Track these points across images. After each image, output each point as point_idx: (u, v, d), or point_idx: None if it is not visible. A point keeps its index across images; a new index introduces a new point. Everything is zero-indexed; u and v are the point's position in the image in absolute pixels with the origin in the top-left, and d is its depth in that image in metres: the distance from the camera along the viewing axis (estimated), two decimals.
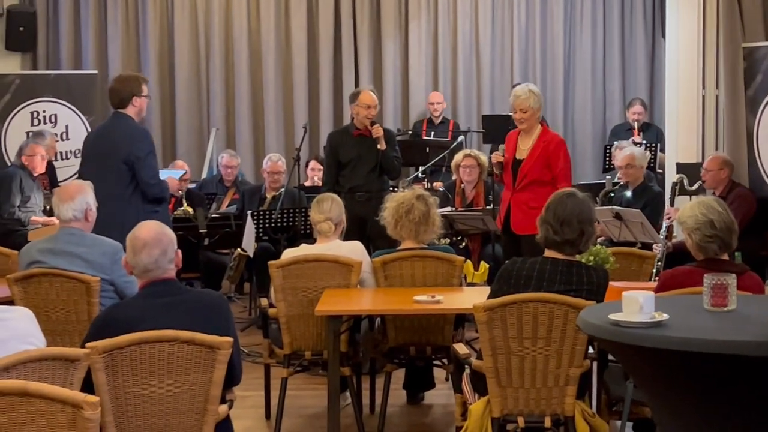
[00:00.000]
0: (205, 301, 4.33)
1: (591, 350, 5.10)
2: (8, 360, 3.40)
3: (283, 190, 9.44)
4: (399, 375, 6.71)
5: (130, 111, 6.97)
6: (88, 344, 3.84)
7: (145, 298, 4.31)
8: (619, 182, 8.84)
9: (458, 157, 9.30)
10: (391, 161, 8.36)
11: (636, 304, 3.16)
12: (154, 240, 4.28)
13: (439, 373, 6.91)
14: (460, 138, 10.47)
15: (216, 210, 9.96)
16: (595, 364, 5.25)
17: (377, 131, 8.21)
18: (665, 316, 3.17)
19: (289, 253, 6.37)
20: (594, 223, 4.95)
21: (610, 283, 4.94)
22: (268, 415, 6.45)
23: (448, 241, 8.24)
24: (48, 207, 9.18)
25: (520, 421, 4.82)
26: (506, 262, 5.20)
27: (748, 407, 3.11)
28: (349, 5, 12.36)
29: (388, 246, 6.60)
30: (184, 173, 9.49)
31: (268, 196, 9.64)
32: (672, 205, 8.25)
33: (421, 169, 10.02)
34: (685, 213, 4.82)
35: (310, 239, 8.22)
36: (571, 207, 4.78)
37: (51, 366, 3.52)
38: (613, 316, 3.19)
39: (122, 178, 6.83)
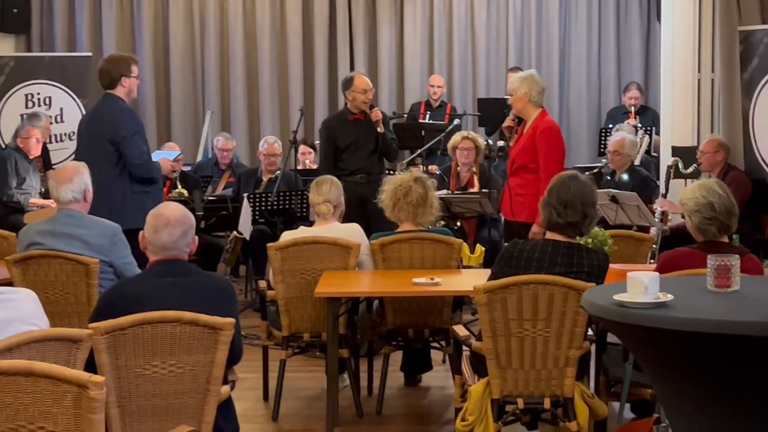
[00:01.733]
0: (212, 284, 4.34)
1: (590, 332, 5.11)
2: (11, 341, 3.40)
3: (279, 172, 9.41)
4: (396, 357, 6.72)
5: (119, 92, 6.98)
6: (91, 325, 3.84)
7: (154, 275, 4.33)
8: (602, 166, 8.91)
9: (456, 138, 9.27)
10: (389, 144, 8.37)
11: (641, 285, 3.17)
12: (178, 221, 4.30)
13: (435, 355, 6.93)
14: (457, 121, 10.44)
15: (212, 193, 9.95)
16: (593, 346, 5.26)
17: (376, 114, 8.20)
18: (670, 297, 3.17)
19: (287, 236, 6.37)
20: (596, 206, 4.96)
21: (610, 265, 4.95)
22: (266, 397, 6.46)
23: (443, 223, 8.23)
24: (43, 189, 9.17)
25: (520, 402, 4.84)
26: (506, 243, 5.22)
27: (753, 388, 3.12)
28: None
29: (389, 227, 6.61)
30: (179, 154, 9.46)
31: (265, 178, 9.61)
32: (667, 188, 8.30)
33: (417, 152, 10.00)
34: (686, 195, 4.83)
35: (306, 222, 8.24)
36: (574, 190, 4.78)
37: (54, 347, 3.51)
38: (618, 297, 3.20)
39: (109, 158, 6.84)
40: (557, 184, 4.84)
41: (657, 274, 3.31)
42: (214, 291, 4.28)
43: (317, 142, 10.21)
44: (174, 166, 9.08)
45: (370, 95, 8.32)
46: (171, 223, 4.29)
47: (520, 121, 7.41)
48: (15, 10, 11.39)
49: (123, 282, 4.91)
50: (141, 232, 4.39)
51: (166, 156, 7.87)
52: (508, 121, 7.51)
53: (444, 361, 6.98)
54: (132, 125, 6.96)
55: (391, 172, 8.66)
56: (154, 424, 3.88)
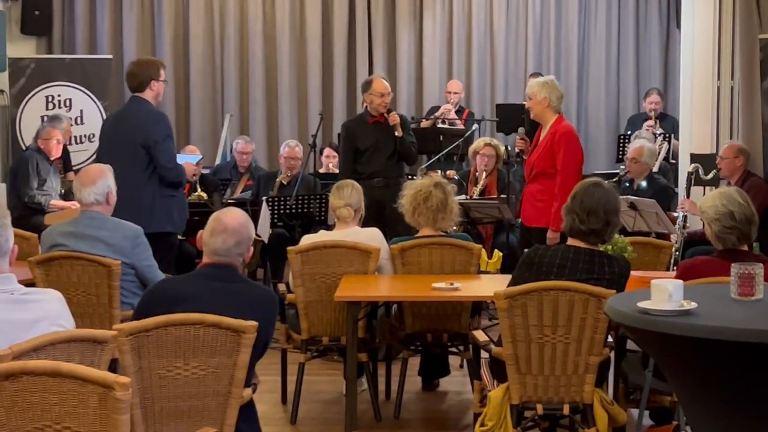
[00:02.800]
0: (256, 295, 4.37)
1: (609, 339, 5.11)
2: (38, 341, 3.42)
3: (293, 175, 9.43)
4: (414, 362, 6.74)
5: (147, 95, 7.02)
6: (115, 326, 3.88)
7: (199, 277, 4.38)
8: (620, 174, 8.90)
9: (478, 143, 9.30)
10: (408, 147, 8.36)
11: (665, 293, 3.17)
12: (235, 230, 4.34)
13: (453, 360, 6.94)
14: (474, 127, 10.46)
15: (230, 196, 9.97)
16: (613, 352, 5.26)
17: (393, 119, 8.21)
18: (694, 305, 3.18)
19: (307, 239, 6.38)
20: (619, 213, 4.97)
21: (637, 273, 4.96)
22: (284, 400, 6.48)
23: (455, 228, 8.25)
24: (63, 191, 9.21)
25: (539, 408, 4.85)
26: (527, 249, 5.22)
27: None
28: None
29: (406, 232, 6.62)
30: (200, 158, 9.50)
31: (284, 182, 9.62)
32: (688, 195, 8.28)
33: (435, 157, 10.00)
34: (707, 203, 4.83)
35: (325, 225, 8.26)
36: (597, 197, 4.79)
37: (79, 347, 3.53)
38: (643, 304, 3.20)
39: (140, 161, 6.86)
40: (581, 190, 4.85)
41: (681, 281, 3.32)
42: (257, 301, 4.29)
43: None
44: (195, 170, 9.12)
45: (387, 99, 8.32)
46: (227, 231, 4.33)
47: (532, 132, 7.44)
48: (36, 13, 11.44)
49: (171, 279, 5.02)
50: (200, 231, 4.45)
51: (190, 160, 7.92)
52: (518, 143, 7.53)
53: (461, 366, 6.99)
54: (164, 130, 7.00)
55: (411, 177, 8.68)
56: (177, 426, 3.89)
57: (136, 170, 6.81)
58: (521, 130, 7.56)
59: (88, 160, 10.27)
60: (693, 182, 8.37)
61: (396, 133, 8.20)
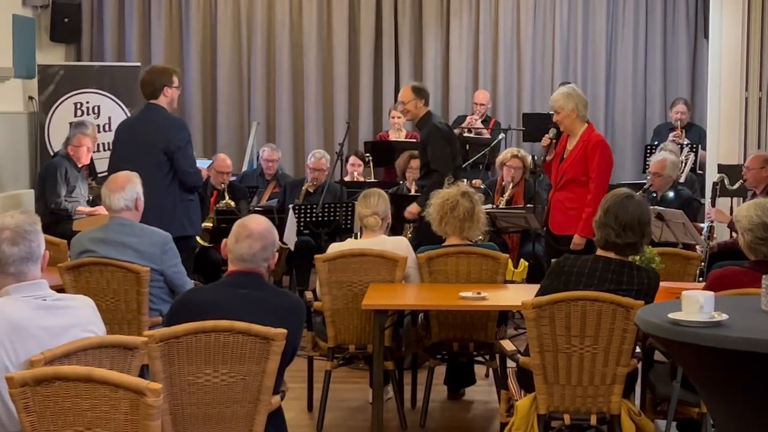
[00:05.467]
0: (283, 302, 4.37)
1: (637, 350, 5.09)
2: (70, 347, 3.45)
3: (320, 183, 9.46)
4: (440, 371, 6.73)
5: (161, 101, 7.14)
6: (145, 332, 3.91)
7: (225, 286, 4.40)
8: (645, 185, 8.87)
9: (506, 155, 9.30)
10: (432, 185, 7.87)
11: (696, 304, 3.16)
12: (260, 235, 4.35)
13: (479, 370, 6.93)
14: (501, 136, 10.45)
15: (257, 203, 10.00)
16: (640, 363, 5.24)
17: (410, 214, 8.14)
18: (725, 316, 3.17)
19: (335, 247, 6.40)
20: (650, 225, 4.96)
21: (665, 285, 4.95)
22: (310, 408, 6.51)
23: (481, 238, 8.24)
24: (91, 197, 9.25)
25: (566, 418, 4.83)
26: (555, 258, 5.21)
27: None
28: (390, 3, 12.36)
29: (428, 243, 6.63)
30: (210, 163, 9.52)
31: (310, 190, 9.64)
32: (713, 205, 8.25)
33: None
34: (741, 212, 4.82)
35: (350, 234, 8.27)
36: (632, 210, 4.79)
37: (110, 353, 3.56)
38: (673, 315, 3.19)
39: (161, 167, 6.97)
40: (614, 204, 4.82)
41: (712, 293, 3.31)
42: (285, 309, 4.29)
43: (368, 154, 10.25)
44: (223, 178, 9.18)
45: (400, 107, 8.38)
46: (252, 236, 4.33)
47: (557, 135, 7.44)
48: (66, 20, 11.49)
49: (198, 289, 5.04)
50: (224, 240, 4.46)
51: (201, 165, 7.96)
52: (545, 140, 7.52)
53: (487, 376, 6.99)
54: (186, 135, 7.15)
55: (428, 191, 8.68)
56: None
57: (157, 175, 6.90)
58: (553, 131, 7.50)
59: None
60: (719, 193, 8.38)
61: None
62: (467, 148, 10.28)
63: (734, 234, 7.45)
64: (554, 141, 7.45)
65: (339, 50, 12.32)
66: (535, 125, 10.29)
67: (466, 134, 10.76)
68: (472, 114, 11.17)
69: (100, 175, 9.75)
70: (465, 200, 6.28)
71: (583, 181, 7.22)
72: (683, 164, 9.62)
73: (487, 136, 10.77)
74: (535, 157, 9.18)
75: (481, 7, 12.38)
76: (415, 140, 9.85)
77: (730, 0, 9.74)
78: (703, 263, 7.13)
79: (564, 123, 7.30)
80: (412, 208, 7.99)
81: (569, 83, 9.75)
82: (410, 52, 12.39)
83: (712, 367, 3.22)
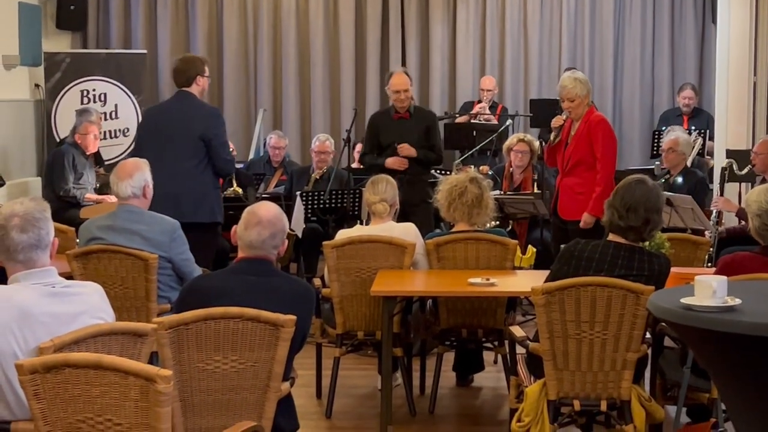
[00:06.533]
0: (292, 289, 4.35)
1: (647, 335, 5.08)
2: (79, 333, 3.45)
3: (331, 170, 9.44)
4: (449, 357, 6.72)
5: (194, 89, 7.17)
6: (155, 319, 3.90)
7: (235, 273, 4.39)
8: (666, 170, 8.85)
9: (512, 140, 9.26)
10: (427, 160, 8.32)
11: (709, 289, 3.14)
12: (269, 222, 4.33)
13: (487, 356, 6.92)
14: (508, 122, 10.41)
15: (264, 190, 9.99)
16: (650, 349, 5.23)
17: (403, 151, 8.16)
18: (738, 301, 3.15)
19: (343, 234, 6.39)
20: (661, 213, 4.93)
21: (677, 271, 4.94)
22: (319, 395, 6.51)
23: (495, 224, 8.21)
24: (98, 185, 9.25)
25: (576, 404, 4.83)
26: (564, 244, 5.20)
27: None
28: None
29: (425, 229, 6.63)
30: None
31: (312, 177, 9.64)
32: (722, 191, 8.23)
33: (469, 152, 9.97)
34: (752, 197, 4.81)
35: (357, 221, 8.26)
36: (639, 194, 4.77)
37: (119, 340, 3.56)
38: (686, 300, 3.17)
39: (196, 153, 6.98)
40: (623, 186, 4.83)
41: (725, 277, 3.28)
42: (294, 296, 4.28)
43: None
44: None
45: (402, 95, 8.22)
46: (262, 223, 4.32)
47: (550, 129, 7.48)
48: (72, 8, 11.48)
49: (208, 275, 5.03)
50: (234, 227, 4.44)
51: None
52: (559, 120, 7.47)
53: (495, 362, 6.98)
54: (223, 124, 7.24)
55: (445, 172, 8.66)
56: (215, 419, 3.91)
57: (191, 162, 6.95)
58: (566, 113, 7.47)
59: (122, 154, 10.33)
60: (727, 178, 8.36)
61: (411, 155, 8.15)
62: (474, 134, 10.22)
63: (743, 221, 7.45)
64: (563, 124, 7.43)
65: (345, 37, 12.31)
66: (542, 111, 10.24)
67: (473, 120, 10.74)
68: (479, 101, 11.13)
69: (107, 163, 9.77)
70: (473, 186, 6.25)
71: (591, 163, 7.21)
72: (692, 147, 9.60)
73: (495, 122, 10.73)
74: (543, 143, 9.15)
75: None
76: None
77: None
78: (712, 248, 7.11)
79: (578, 111, 7.29)
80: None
81: (573, 68, 9.73)
82: (417, 40, 12.38)
83: (726, 352, 3.20)
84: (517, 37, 12.36)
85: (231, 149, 8.05)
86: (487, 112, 10.91)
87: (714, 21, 11.01)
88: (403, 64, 12.14)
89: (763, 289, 3.39)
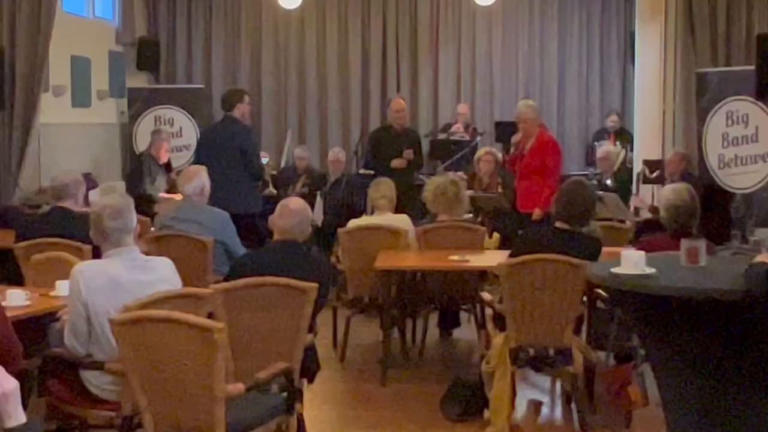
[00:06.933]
0: (315, 264, 4.42)
1: (585, 299, 5.08)
2: (155, 296, 3.45)
3: (341, 175, 9.42)
4: (433, 316, 6.74)
5: (236, 113, 7.24)
6: (212, 285, 3.90)
7: (272, 251, 4.46)
8: (598, 174, 8.90)
9: (481, 152, 9.24)
10: (415, 163, 8.49)
11: (632, 261, 3.15)
12: (297, 212, 4.40)
13: (463, 316, 6.92)
14: (478, 138, 10.39)
15: (292, 191, 9.94)
16: (586, 309, 5.21)
17: (407, 156, 8.30)
18: (653, 270, 3.15)
19: (353, 222, 6.39)
20: (594, 206, 4.98)
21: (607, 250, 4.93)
22: (335, 345, 6.49)
23: (470, 215, 8.20)
24: (168, 186, 9.22)
25: (531, 350, 4.86)
26: (521, 231, 5.21)
27: (713, 339, 3.08)
28: (393, 37, 12.24)
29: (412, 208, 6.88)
30: (267, 160, 9.53)
31: (332, 179, 9.62)
32: (638, 190, 8.30)
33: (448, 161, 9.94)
34: (664, 193, 4.82)
35: (363, 213, 8.24)
36: (578, 192, 4.81)
37: (185, 302, 3.55)
38: (614, 270, 3.18)
39: (238, 161, 7.04)
40: (567, 186, 4.87)
41: (643, 252, 3.29)
42: (318, 268, 4.34)
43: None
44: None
45: (401, 113, 8.44)
46: (292, 213, 4.37)
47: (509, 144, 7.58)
48: (148, 54, 11.45)
49: (252, 252, 5.11)
50: (270, 216, 4.52)
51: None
52: (517, 137, 7.50)
53: (469, 321, 6.96)
54: (255, 139, 7.50)
55: (431, 176, 8.64)
56: (258, 361, 3.88)
57: (236, 167, 7.01)
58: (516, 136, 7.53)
59: (185, 163, 10.24)
60: (642, 181, 8.45)
61: (409, 158, 8.30)
62: (453, 147, 10.20)
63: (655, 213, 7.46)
64: (520, 140, 7.45)
65: (354, 73, 12.21)
66: (504, 131, 10.21)
67: (452, 137, 10.71)
68: (456, 122, 11.11)
69: (175, 169, 9.73)
70: (452, 186, 6.27)
71: (542, 170, 7.24)
72: (618, 158, 9.62)
73: (468, 138, 10.70)
74: (505, 155, 9.14)
75: (462, 40, 12.25)
76: None
77: (650, 36, 9.66)
78: (632, 234, 7.11)
79: (530, 129, 7.31)
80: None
81: (528, 98, 9.73)
82: (408, 73, 12.27)
83: (643, 308, 3.21)
84: (484, 73, 12.27)
85: (265, 159, 8.07)
86: (462, 131, 10.87)
87: (633, 62, 10.97)
88: (398, 92, 12.12)
89: (672, 262, 3.38)
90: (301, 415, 4.00)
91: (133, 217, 3.71)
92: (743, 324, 2.99)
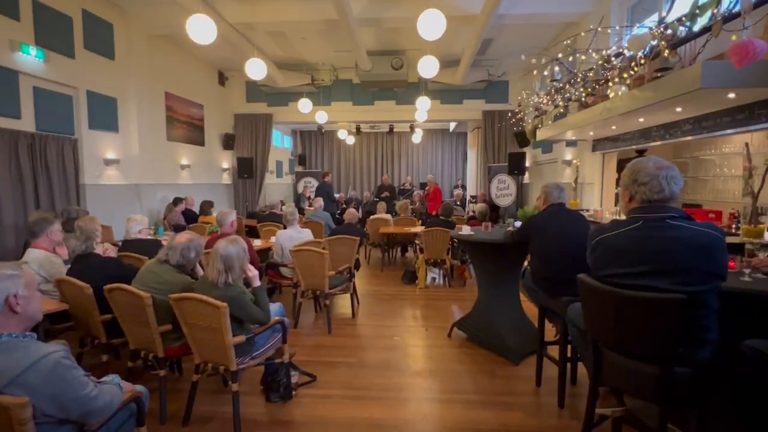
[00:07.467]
0: (360, 230, 3.87)
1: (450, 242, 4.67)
2: (306, 242, 3.17)
3: (367, 201, 8.82)
4: (398, 249, 5.62)
5: (327, 179, 6.71)
6: (325, 238, 3.47)
7: (345, 226, 3.95)
8: (454, 201, 8.36)
9: (414, 193, 8.70)
10: (392, 196, 7.85)
11: (468, 230, 3.10)
12: (352, 216, 4.09)
13: (410, 250, 6.08)
14: (414, 188, 10.02)
15: (352, 206, 8.07)
16: (451, 246, 4.69)
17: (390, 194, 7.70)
18: (473, 233, 3.06)
19: (372, 217, 5.44)
20: (453, 209, 4.61)
21: (457, 225, 4.33)
22: (366, 258, 5.50)
23: (413, 217, 7.17)
24: (304, 209, 8.28)
25: (432, 261, 4.46)
26: (429, 219, 4.86)
27: (490, 257, 2.96)
28: (382, 153, 11.33)
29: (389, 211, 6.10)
30: (340, 194, 8.95)
31: (363, 201, 9.20)
32: (465, 207, 7.86)
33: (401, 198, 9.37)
34: (477, 207, 4.59)
35: (373, 214, 7.61)
36: (447, 206, 4.56)
37: (315, 244, 3.18)
38: (461, 233, 3.10)
39: (330, 197, 6.55)
40: (446, 203, 4.54)
41: (470, 227, 3.23)
42: (361, 231, 3.84)
43: (385, 193, 8.63)
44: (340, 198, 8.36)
45: (387, 180, 7.82)
46: (349, 216, 4.03)
47: (424, 190, 7.26)
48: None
49: (338, 227, 4.00)
50: (344, 214, 3.99)
51: (335, 195, 7.29)
52: (428, 188, 7.30)
53: (414, 250, 5.61)
54: (329, 189, 6.58)
55: (396, 202, 8.30)
56: (339, 263, 3.42)
57: (329, 198, 6.46)
58: (420, 193, 7.16)
59: (310, 199, 9.14)
60: (469, 202, 7.97)
61: (391, 195, 7.78)
62: (405, 191, 9.61)
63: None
64: (427, 191, 7.28)
65: (371, 168, 11.25)
66: (423, 185, 9.84)
67: (403, 187, 10.30)
68: (407, 182, 10.43)
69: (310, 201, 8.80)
70: (404, 205, 5.79)
71: (434, 199, 6.95)
72: (461, 199, 9.17)
73: (410, 188, 10.30)
74: (421, 194, 8.61)
75: (410, 153, 11.20)
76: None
77: (471, 152, 8.96)
78: (466, 220, 6.70)
79: (430, 185, 7.13)
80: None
81: (430, 174, 9.42)
82: (390, 167, 11.25)
83: (469, 246, 3.07)
84: (417, 166, 11.55)
85: (337, 194, 7.63)
86: (408, 186, 10.53)
87: (465, 161, 10.59)
88: (389, 170, 11.62)
89: (479, 230, 3.25)
90: (355, 284, 3.62)
91: (296, 214, 3.54)
92: (500, 252, 2.91)
